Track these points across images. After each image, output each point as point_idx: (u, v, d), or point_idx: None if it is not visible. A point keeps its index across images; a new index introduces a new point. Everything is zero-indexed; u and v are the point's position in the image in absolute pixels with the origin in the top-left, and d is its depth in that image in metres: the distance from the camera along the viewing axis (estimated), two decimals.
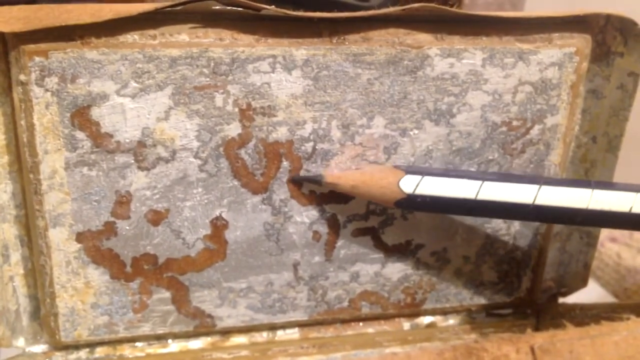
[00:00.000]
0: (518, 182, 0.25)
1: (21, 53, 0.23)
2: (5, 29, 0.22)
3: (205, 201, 0.26)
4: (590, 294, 0.36)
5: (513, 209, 0.25)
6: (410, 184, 0.25)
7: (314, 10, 0.25)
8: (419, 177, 0.26)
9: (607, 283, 0.46)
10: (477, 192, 0.25)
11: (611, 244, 0.47)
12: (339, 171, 0.27)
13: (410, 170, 0.26)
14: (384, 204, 0.27)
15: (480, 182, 0.25)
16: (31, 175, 0.24)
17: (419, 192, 0.25)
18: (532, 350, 0.24)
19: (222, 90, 0.25)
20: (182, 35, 0.24)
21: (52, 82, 0.23)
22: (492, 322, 0.33)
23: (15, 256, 0.26)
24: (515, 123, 0.28)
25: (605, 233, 0.47)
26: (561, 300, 0.33)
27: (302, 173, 0.27)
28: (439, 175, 0.26)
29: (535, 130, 0.28)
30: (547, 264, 0.32)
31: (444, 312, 0.32)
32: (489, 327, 0.32)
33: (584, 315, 0.31)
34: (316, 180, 0.27)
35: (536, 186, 0.25)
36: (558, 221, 0.27)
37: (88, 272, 0.26)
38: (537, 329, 0.33)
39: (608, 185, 0.25)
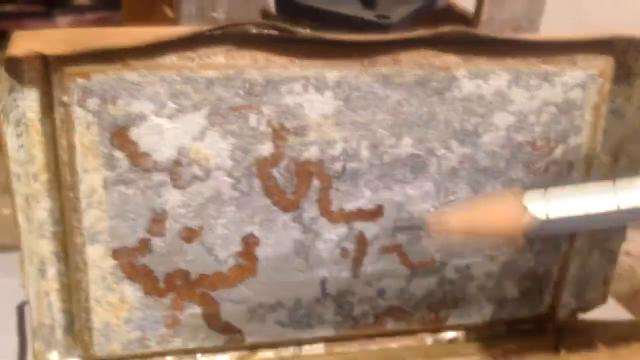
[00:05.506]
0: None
1: (64, 75, 0.23)
2: (49, 51, 0.23)
3: (238, 219, 0.27)
4: (605, 307, 0.36)
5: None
6: (538, 207, 0.23)
7: (334, 26, 0.25)
8: (543, 199, 0.23)
9: (621, 297, 0.46)
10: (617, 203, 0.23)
11: (625, 258, 0.48)
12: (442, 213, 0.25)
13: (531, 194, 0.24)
14: (507, 237, 0.24)
15: (613, 189, 0.23)
16: (70, 194, 0.25)
17: (551, 215, 0.23)
18: None
19: (256, 111, 0.25)
20: (219, 57, 0.25)
21: (93, 103, 0.24)
22: (513, 337, 0.33)
23: (51, 272, 0.27)
24: (539, 143, 0.29)
25: None
26: (581, 316, 0.34)
27: (332, 192, 0.27)
28: (561, 196, 0.23)
29: (558, 150, 0.29)
30: (567, 280, 0.33)
31: (466, 328, 0.33)
32: (510, 343, 0.33)
33: (605, 331, 0.31)
34: (419, 226, 0.27)
35: None
36: None
37: (123, 287, 0.27)
38: (557, 344, 0.33)
39: None
